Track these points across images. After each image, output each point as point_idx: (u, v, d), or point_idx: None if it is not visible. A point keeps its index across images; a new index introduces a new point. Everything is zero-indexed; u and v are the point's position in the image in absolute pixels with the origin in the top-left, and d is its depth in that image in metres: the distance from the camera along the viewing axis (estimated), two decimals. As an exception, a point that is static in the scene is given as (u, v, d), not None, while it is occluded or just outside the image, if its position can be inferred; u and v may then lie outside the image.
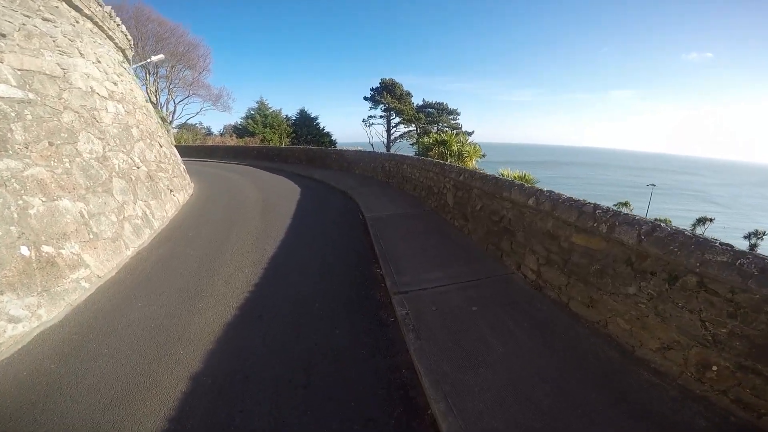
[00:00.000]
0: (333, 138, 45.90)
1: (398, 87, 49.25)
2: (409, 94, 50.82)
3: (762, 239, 34.18)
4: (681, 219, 48.59)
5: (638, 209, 44.75)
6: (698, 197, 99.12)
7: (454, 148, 20.24)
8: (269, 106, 44.15)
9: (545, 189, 4.71)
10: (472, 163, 20.50)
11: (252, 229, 7.52)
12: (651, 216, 34.25)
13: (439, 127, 50.21)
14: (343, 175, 15.40)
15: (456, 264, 5.42)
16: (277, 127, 43.07)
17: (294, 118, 45.31)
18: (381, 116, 50.35)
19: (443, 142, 20.41)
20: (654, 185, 49.59)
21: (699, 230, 38.66)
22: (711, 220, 38.62)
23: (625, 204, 43.52)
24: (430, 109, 51.44)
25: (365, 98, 50.32)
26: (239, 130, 45.18)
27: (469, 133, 50.65)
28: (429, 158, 9.32)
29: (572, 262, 4.04)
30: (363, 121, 49.89)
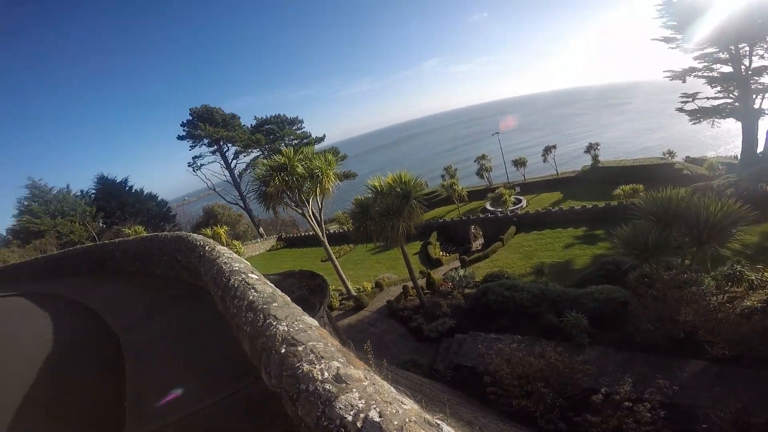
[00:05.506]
0: (160, 199, 36.08)
1: (216, 112, 41.32)
2: (233, 116, 43.42)
3: (598, 149, 38.30)
4: (530, 150, 53.89)
5: (494, 152, 47.33)
6: (521, 130, 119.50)
7: (300, 170, 15.09)
8: (49, 186, 32.01)
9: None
10: (331, 182, 15.72)
11: None
12: (507, 156, 33.27)
13: (287, 142, 44.46)
14: (138, 286, 9.36)
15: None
16: (71, 213, 31.54)
17: (93, 191, 33.91)
18: (211, 152, 41.83)
19: (282, 168, 15.03)
20: (498, 132, 52.80)
21: (549, 157, 41.96)
22: (554, 146, 42.04)
23: (483, 156, 45.05)
24: (269, 126, 44.90)
25: (180, 137, 41.03)
26: (21, 234, 32.04)
27: (320, 139, 46.22)
28: (207, 253, 4.06)
29: None
30: (189, 166, 40.67)
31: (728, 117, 31.42)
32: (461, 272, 17.77)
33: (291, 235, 41.25)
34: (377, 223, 13.34)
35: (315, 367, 1.90)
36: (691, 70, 31.53)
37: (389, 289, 19.12)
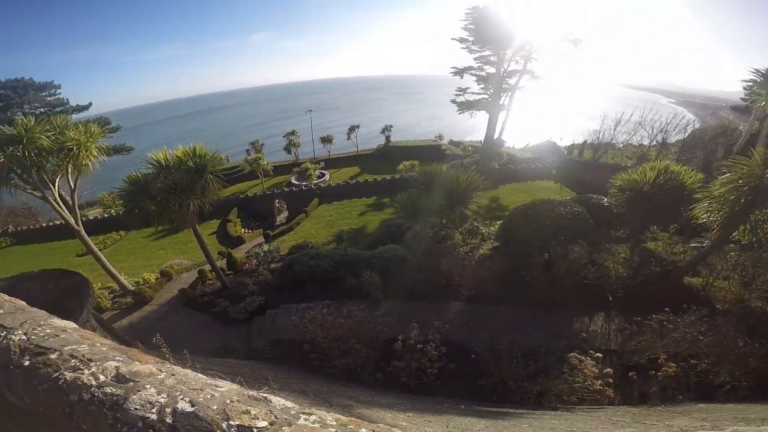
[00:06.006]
0: None
1: None
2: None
3: (391, 131, 44.37)
4: (338, 129, 57.16)
5: (304, 129, 48.18)
6: (335, 109, 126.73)
7: (44, 142, 11.38)
8: None
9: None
10: (92, 157, 12.52)
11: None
12: (318, 133, 35.24)
13: (27, 110, 34.25)
14: None
15: None
16: None
17: None
18: None
19: (14, 140, 10.94)
20: (311, 110, 53.80)
21: (353, 135, 45.76)
22: (358, 126, 46.08)
23: (293, 132, 45.17)
24: (4, 91, 34.61)
25: None
26: None
27: (83, 107, 37.21)
28: None
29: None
30: None
31: (482, 110, 40.01)
32: (266, 247, 17.66)
33: (25, 228, 31.49)
34: (159, 203, 11.52)
35: (83, 373, 1.63)
36: (469, 69, 38.20)
37: (180, 277, 17.15)
